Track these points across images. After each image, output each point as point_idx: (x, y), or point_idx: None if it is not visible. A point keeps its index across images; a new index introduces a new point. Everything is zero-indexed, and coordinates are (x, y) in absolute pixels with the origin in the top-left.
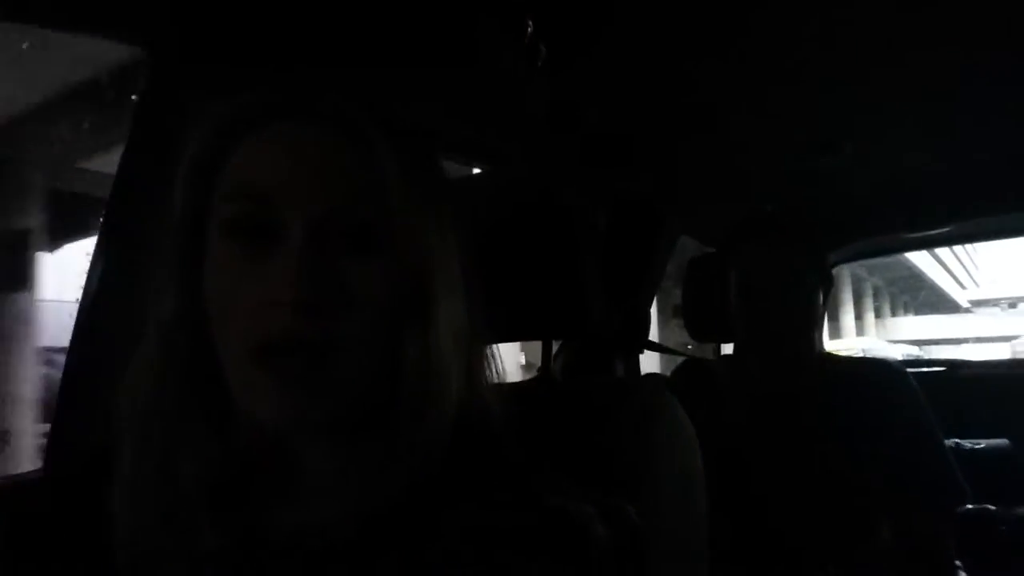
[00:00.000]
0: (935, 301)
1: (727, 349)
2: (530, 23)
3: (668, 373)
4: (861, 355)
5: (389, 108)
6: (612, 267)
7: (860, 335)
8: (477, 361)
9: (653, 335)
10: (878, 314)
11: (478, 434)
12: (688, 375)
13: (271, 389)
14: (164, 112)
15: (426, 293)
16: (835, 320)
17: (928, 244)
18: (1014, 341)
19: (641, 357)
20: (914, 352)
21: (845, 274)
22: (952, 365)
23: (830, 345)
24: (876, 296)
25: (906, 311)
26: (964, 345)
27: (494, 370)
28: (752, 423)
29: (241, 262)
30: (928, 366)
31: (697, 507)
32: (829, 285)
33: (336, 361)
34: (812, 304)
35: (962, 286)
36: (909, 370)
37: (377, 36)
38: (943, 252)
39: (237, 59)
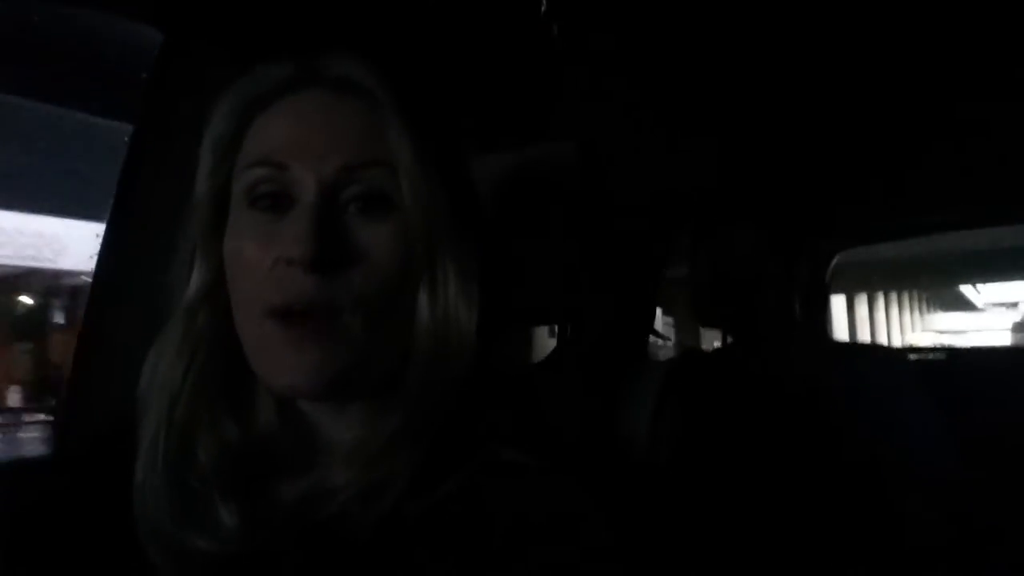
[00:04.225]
0: (959, 302)
1: None
2: (544, 1)
3: None
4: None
5: (404, 76)
6: (614, 257)
7: (913, 330)
8: (489, 332)
9: None
10: (920, 312)
11: (487, 404)
12: (690, 364)
13: (285, 349)
14: (176, 91)
15: (436, 257)
16: (889, 317)
17: (930, 230)
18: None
19: None
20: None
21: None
22: (952, 353)
23: (908, 338)
24: (919, 300)
25: (937, 309)
26: (982, 334)
27: (505, 345)
28: (753, 411)
29: (259, 227)
30: (930, 353)
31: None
32: (822, 269)
33: (348, 320)
34: (801, 289)
35: (977, 291)
36: (912, 357)
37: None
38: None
39: (250, 37)
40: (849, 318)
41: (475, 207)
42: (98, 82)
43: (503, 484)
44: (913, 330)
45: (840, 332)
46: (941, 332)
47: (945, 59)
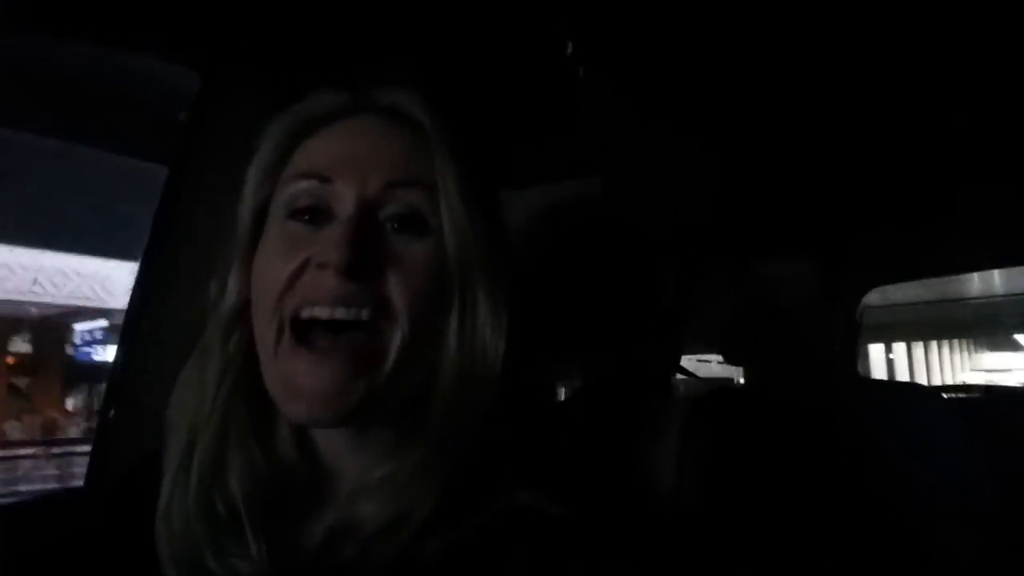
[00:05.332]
0: (1006, 343)
1: None
2: (569, 44)
3: None
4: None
5: (448, 109)
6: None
7: (963, 369)
8: (518, 363)
9: None
10: (968, 353)
11: (510, 442)
12: (719, 401)
13: (304, 369)
14: (213, 129)
15: (468, 282)
16: (942, 357)
17: (964, 268)
18: None
19: None
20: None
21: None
22: (990, 390)
23: (959, 376)
24: (968, 342)
25: (984, 350)
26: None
27: (536, 376)
28: (785, 447)
29: (293, 236)
30: (965, 392)
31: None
32: (853, 305)
33: (373, 339)
34: (834, 325)
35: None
36: (946, 396)
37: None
38: None
39: (286, 78)
40: (909, 360)
41: (506, 239)
42: (133, 125)
43: (522, 531)
44: (963, 369)
45: (901, 373)
46: (989, 371)
47: (986, 95)
